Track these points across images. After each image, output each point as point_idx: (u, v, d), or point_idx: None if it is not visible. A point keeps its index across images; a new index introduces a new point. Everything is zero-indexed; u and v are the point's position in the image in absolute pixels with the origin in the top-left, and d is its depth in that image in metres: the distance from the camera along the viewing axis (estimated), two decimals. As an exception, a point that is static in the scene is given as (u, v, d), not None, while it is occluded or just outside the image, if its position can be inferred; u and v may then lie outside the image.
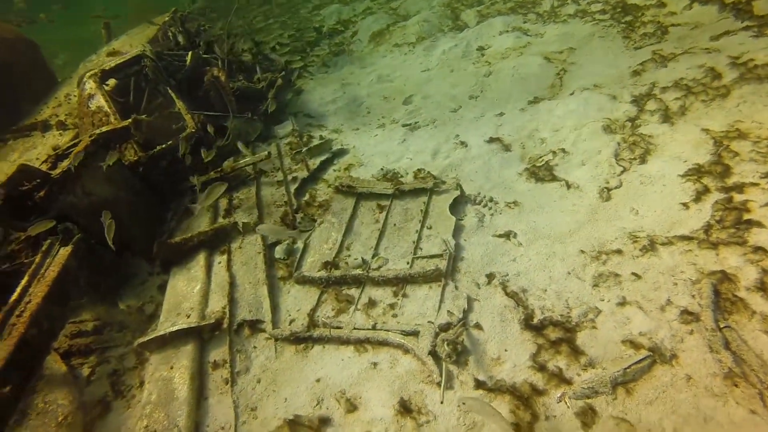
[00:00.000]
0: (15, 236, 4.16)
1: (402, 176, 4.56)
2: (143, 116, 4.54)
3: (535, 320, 2.92)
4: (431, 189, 4.05)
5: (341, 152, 5.21)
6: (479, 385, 2.67)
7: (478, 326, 2.99)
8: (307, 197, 4.69)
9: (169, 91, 5.17)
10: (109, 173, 4.30)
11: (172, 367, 3.26)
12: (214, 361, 3.29)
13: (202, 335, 3.44)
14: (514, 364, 2.73)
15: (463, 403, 2.29)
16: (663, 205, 3.44)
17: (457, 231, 3.70)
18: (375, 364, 2.95)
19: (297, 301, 3.61)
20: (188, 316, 3.57)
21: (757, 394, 2.25)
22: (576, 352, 2.68)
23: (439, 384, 2.69)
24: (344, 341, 3.17)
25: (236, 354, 3.33)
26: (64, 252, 3.74)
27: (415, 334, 3.00)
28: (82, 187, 4.05)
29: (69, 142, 5.70)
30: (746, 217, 3.10)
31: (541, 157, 4.39)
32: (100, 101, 5.13)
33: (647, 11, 6.19)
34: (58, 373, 3.43)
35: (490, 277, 3.30)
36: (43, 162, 4.26)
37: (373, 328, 3.16)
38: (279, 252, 4.02)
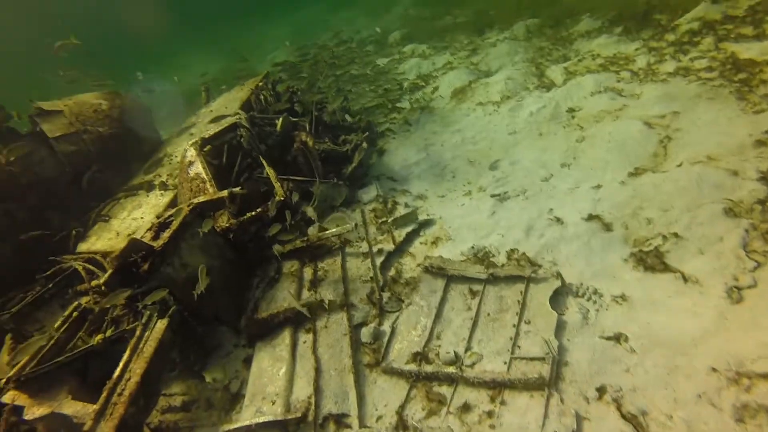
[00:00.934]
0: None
1: (494, 255, 4.35)
2: (238, 189, 4.72)
3: (662, 457, 2.55)
4: (528, 278, 3.79)
5: (427, 223, 5.11)
6: None
7: (591, 455, 2.66)
8: (393, 272, 4.60)
9: (261, 158, 5.38)
10: (203, 243, 4.49)
11: (259, 462, 3.21)
12: (301, 458, 3.20)
13: (287, 428, 3.37)
14: None
15: None
16: (813, 316, 2.95)
17: (559, 328, 3.40)
18: (473, 486, 2.70)
19: (384, 394, 3.45)
20: (273, 403, 3.53)
21: None
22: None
23: None
24: (438, 453, 2.96)
25: (323, 453, 3.21)
26: (161, 325, 3.88)
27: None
28: (179, 257, 4.22)
29: (168, 203, 6.10)
30: None
31: (648, 241, 4.00)
32: (198, 168, 5.44)
33: (766, 67, 5.64)
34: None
35: (601, 390, 2.96)
36: (147, 230, 4.52)
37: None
38: (365, 335, 3.92)
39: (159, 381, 3.85)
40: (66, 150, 6.78)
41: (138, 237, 4.27)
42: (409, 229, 5.01)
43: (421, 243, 4.88)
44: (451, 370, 3.33)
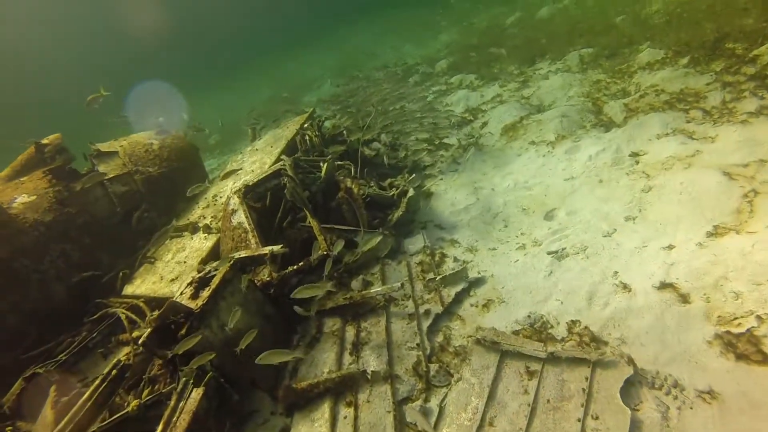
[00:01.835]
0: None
1: (552, 327, 3.95)
2: (279, 248, 4.57)
3: None
4: (594, 362, 3.38)
5: (478, 282, 4.77)
6: None
7: None
8: (441, 338, 4.28)
9: (305, 210, 5.23)
10: (243, 300, 4.35)
11: None
12: None
13: None
14: None
15: None
16: None
17: (634, 429, 2.97)
18: None
19: (431, 490, 3.11)
20: (312, 489, 3.27)
21: None
22: None
23: None
24: None
25: None
26: (196, 395, 3.73)
27: None
28: (217, 318, 4.09)
29: (212, 248, 6.07)
30: None
31: (736, 320, 3.49)
32: (241, 217, 5.37)
33: None
34: None
35: None
36: (187, 285, 4.43)
37: None
38: (410, 415, 3.60)
39: (193, 453, 3.69)
40: (118, 190, 6.94)
41: (177, 298, 4.18)
42: (458, 288, 4.68)
43: (471, 305, 4.54)
44: (508, 471, 2.96)
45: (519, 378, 3.55)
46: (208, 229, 6.28)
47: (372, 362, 4.10)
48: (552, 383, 3.42)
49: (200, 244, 6.17)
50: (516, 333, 3.99)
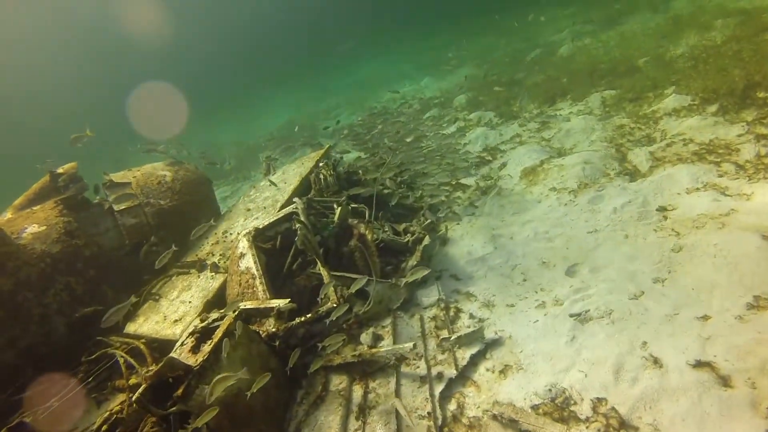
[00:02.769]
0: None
1: (575, 403, 3.63)
2: (286, 304, 4.36)
3: None
4: (626, 454, 3.06)
5: (495, 343, 4.47)
6: None
7: None
8: (453, 405, 3.98)
9: (316, 259, 5.03)
10: (247, 354, 4.12)
11: None
12: None
13: None
14: None
15: None
16: None
17: None
18: None
19: None
20: None
21: None
22: None
23: None
24: None
25: None
26: (192, 461, 3.47)
27: None
28: (218, 375, 3.84)
29: (218, 288, 5.87)
30: None
31: (786, 412, 3.15)
32: (249, 262, 5.18)
33: None
34: None
35: None
36: (189, 335, 4.22)
37: None
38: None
39: None
40: (127, 222, 6.84)
41: (177, 350, 3.97)
42: (474, 350, 4.40)
43: (487, 369, 4.24)
44: None
45: (539, 464, 3.23)
46: (215, 267, 6.11)
47: (379, 430, 3.81)
48: (577, 475, 3.09)
49: (206, 283, 5.99)
50: (535, 408, 3.68)
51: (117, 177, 7.28)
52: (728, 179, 5.73)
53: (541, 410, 3.63)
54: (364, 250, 5.28)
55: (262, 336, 4.54)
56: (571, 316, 4.54)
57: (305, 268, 5.71)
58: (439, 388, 4.09)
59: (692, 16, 12.92)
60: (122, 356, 4.93)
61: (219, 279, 5.94)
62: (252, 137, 22.19)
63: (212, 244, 6.86)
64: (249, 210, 7.17)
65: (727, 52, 9.45)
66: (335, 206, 5.81)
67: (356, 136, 10.60)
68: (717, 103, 7.64)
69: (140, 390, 3.69)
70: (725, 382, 3.46)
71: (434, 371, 4.29)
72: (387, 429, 3.80)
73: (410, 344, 4.27)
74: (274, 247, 6.03)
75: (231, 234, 6.81)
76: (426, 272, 4.87)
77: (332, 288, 4.73)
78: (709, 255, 4.63)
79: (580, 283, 5.02)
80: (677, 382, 3.55)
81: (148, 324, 5.80)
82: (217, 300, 5.72)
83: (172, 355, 3.99)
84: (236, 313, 4.17)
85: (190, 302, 5.80)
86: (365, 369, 4.47)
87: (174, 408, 3.61)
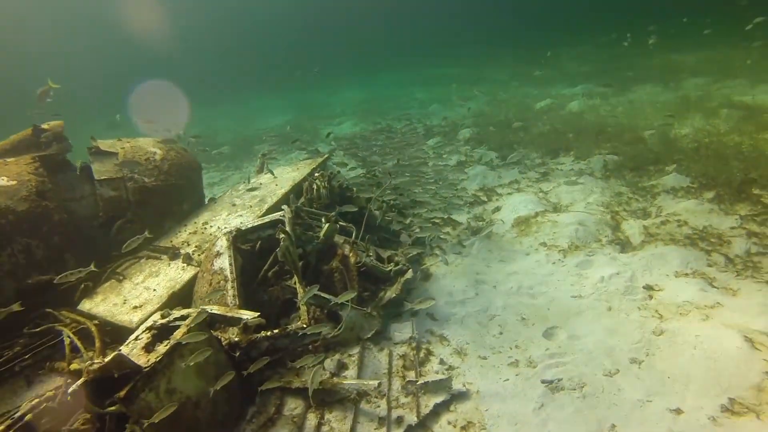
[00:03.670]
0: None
1: (535, 480, 3.47)
2: (254, 318, 4.14)
3: None
4: None
5: (461, 396, 4.30)
6: None
7: None
8: (408, 457, 3.77)
9: (294, 277, 4.81)
10: (203, 361, 3.86)
11: None
12: None
13: None
14: None
15: None
16: None
17: None
18: None
19: None
20: None
21: None
22: None
23: None
24: None
25: None
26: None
27: None
28: (168, 381, 3.58)
29: (187, 282, 5.59)
30: None
31: None
32: (224, 263, 4.94)
33: None
34: None
35: None
36: (146, 329, 3.95)
37: None
38: None
39: None
40: (105, 194, 6.52)
41: (130, 345, 3.70)
42: (438, 399, 4.21)
43: (449, 422, 4.05)
44: None
45: None
46: (188, 258, 5.83)
47: (326, 472, 3.58)
48: None
49: (176, 273, 5.71)
50: (493, 476, 3.50)
51: (105, 145, 6.97)
52: (717, 270, 5.72)
53: (498, 480, 3.46)
54: (345, 273, 5.09)
55: (223, 344, 4.30)
56: (543, 382, 4.40)
57: (280, 278, 5.49)
58: (397, 434, 3.89)
59: (700, 99, 13.25)
60: (69, 336, 4.61)
61: (190, 272, 5.67)
62: (250, 129, 21.92)
63: (190, 233, 6.59)
64: (234, 205, 6.93)
65: (729, 142, 9.65)
66: (323, 221, 5.62)
67: (354, 147, 10.49)
68: (714, 191, 7.72)
69: (80, 382, 3.40)
70: (691, 485, 3.34)
71: (394, 414, 4.09)
72: (335, 470, 3.57)
73: (375, 382, 4.07)
74: (253, 249, 5.80)
75: (211, 227, 6.56)
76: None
77: (305, 308, 4.51)
78: (690, 345, 4.56)
79: (557, 347, 4.89)
80: (642, 476, 3.42)
81: (105, 305, 5.49)
82: (184, 294, 5.45)
83: (122, 350, 3.73)
84: (202, 318, 3.92)
85: (154, 290, 5.51)
86: (324, 398, 4.24)
87: (113, 408, 3.34)
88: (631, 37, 20.62)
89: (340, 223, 6.00)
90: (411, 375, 4.51)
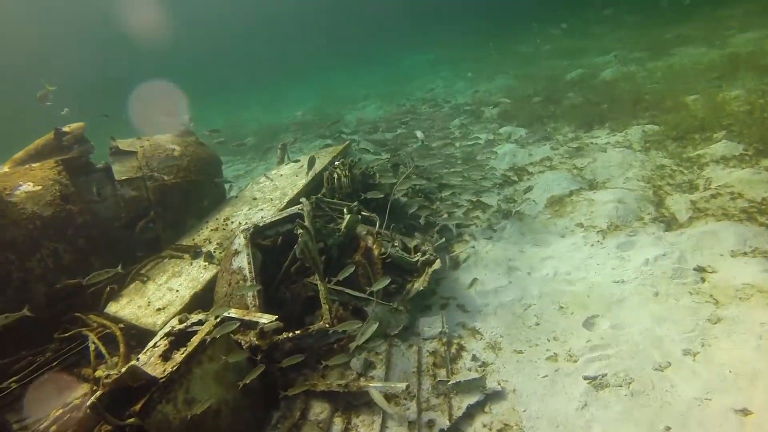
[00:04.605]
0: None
1: (581, 490, 3.17)
2: (271, 323, 3.96)
3: None
4: None
5: (496, 396, 4.02)
6: None
7: None
8: (443, 462, 3.55)
9: (316, 275, 4.60)
10: (221, 367, 3.72)
11: None
12: None
13: None
14: None
15: None
16: None
17: None
18: None
19: None
20: None
21: None
22: None
23: None
24: None
25: None
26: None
27: None
28: (186, 390, 3.45)
29: (208, 281, 5.49)
30: None
31: None
32: (243, 262, 4.78)
33: None
34: None
35: None
36: (164, 336, 3.84)
37: None
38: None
39: None
40: (126, 194, 6.49)
41: (147, 353, 3.59)
42: (472, 399, 3.95)
43: (484, 425, 3.79)
44: None
45: None
46: (210, 257, 5.72)
47: (354, 481, 3.40)
48: None
49: (198, 273, 5.62)
50: (534, 485, 3.23)
51: (124, 144, 6.93)
52: (780, 248, 5.17)
53: (539, 490, 3.18)
54: (368, 267, 4.85)
55: (244, 347, 4.15)
56: (585, 378, 4.06)
57: (303, 273, 5.30)
58: (428, 439, 3.66)
59: (752, 56, 12.15)
60: (94, 342, 4.58)
61: (211, 270, 5.57)
62: (277, 118, 21.84)
63: (211, 229, 6.49)
64: (255, 199, 6.78)
65: (789, 102, 8.79)
66: (345, 212, 5.38)
67: (378, 130, 10.18)
68: (772, 157, 7.03)
69: (96, 395, 3.31)
70: (760, 496, 2.97)
71: (425, 417, 3.86)
72: (363, 479, 3.38)
73: (403, 384, 3.85)
74: (275, 244, 5.63)
75: (232, 222, 6.43)
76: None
77: (327, 307, 4.31)
78: (754, 335, 4.10)
79: (599, 339, 4.53)
80: (702, 485, 3.07)
81: (130, 307, 5.46)
82: (206, 294, 5.35)
83: (140, 358, 3.62)
84: (217, 321, 3.77)
85: (177, 291, 5.44)
86: (350, 401, 4.06)
87: (131, 420, 3.23)
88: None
89: (363, 213, 5.75)
90: (442, 373, 4.27)
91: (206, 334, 3.66)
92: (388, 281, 4.47)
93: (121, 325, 5.11)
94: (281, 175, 7.26)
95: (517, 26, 28.13)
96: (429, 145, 8.76)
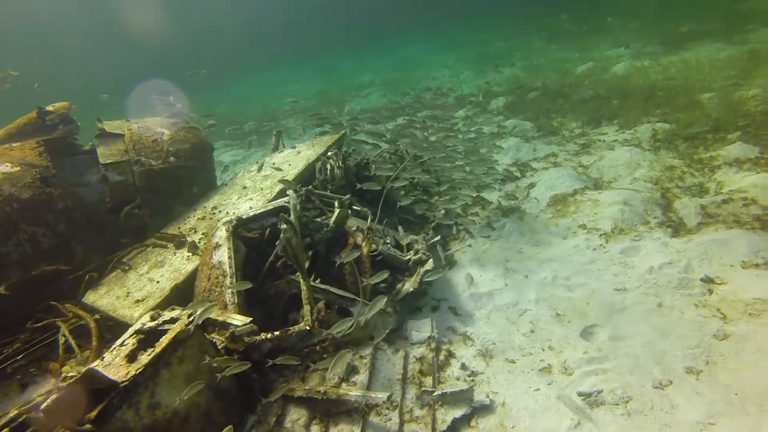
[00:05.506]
0: None
1: None
2: (246, 326, 3.71)
3: None
4: None
5: (484, 409, 3.78)
6: None
7: None
8: (421, 481, 3.32)
9: (299, 273, 4.34)
10: (192, 369, 3.49)
11: None
12: None
13: None
14: None
15: None
16: None
17: None
18: None
19: None
20: None
21: None
22: None
23: None
24: None
25: None
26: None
27: None
28: (151, 394, 3.22)
29: (190, 273, 5.25)
30: None
31: None
32: (223, 256, 4.53)
33: None
34: None
35: None
36: (134, 333, 3.60)
37: None
38: None
39: None
40: (111, 178, 6.23)
41: (113, 352, 3.36)
42: (458, 413, 3.71)
43: (469, 440, 3.57)
44: None
45: None
46: (194, 248, 5.48)
47: (327, 497, 3.17)
48: None
49: (180, 264, 5.38)
50: None
51: (111, 126, 6.66)
52: (795, 260, 4.86)
53: None
54: (354, 266, 4.58)
55: (219, 347, 3.92)
56: (580, 394, 3.81)
57: (289, 268, 5.05)
58: (408, 454, 3.44)
59: (771, 53, 11.70)
60: (64, 335, 4.36)
61: (194, 262, 5.33)
62: (279, 103, 21.46)
63: (198, 218, 6.24)
64: (245, 188, 6.52)
65: (809, 104, 8.40)
66: (336, 205, 5.11)
67: (378, 121, 9.85)
68: (788, 162, 6.69)
69: (51, 399, 3.08)
70: None
71: (407, 429, 3.63)
72: (337, 496, 3.16)
73: (385, 395, 3.60)
74: (262, 236, 5.38)
75: (220, 212, 6.18)
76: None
77: (309, 307, 4.06)
78: (764, 355, 3.83)
79: (597, 350, 4.27)
80: None
81: (108, 297, 5.24)
82: (188, 286, 5.12)
83: (105, 357, 3.39)
84: (189, 321, 3.53)
85: (158, 282, 5.21)
86: (329, 408, 3.82)
87: (87, 426, 3.01)
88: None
89: (355, 207, 5.49)
90: (428, 381, 4.02)
91: (176, 335, 3.42)
92: (386, 275, 4.25)
93: (97, 316, 4.90)
94: (273, 164, 6.98)
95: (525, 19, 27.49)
96: (428, 138, 8.43)
